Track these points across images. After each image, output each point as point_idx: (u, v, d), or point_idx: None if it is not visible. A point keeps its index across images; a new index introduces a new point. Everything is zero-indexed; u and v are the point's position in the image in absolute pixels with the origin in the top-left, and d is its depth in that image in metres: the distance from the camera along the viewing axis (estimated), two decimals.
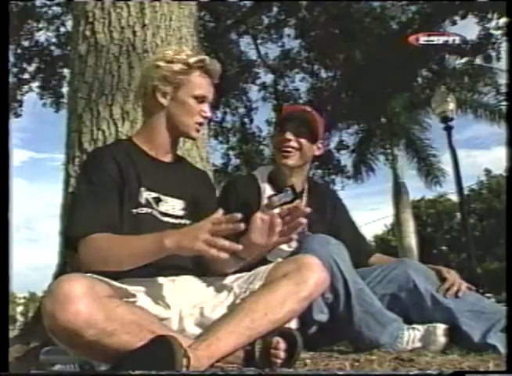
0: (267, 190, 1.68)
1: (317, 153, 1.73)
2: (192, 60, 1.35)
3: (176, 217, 1.34)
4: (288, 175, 1.70)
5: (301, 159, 1.68)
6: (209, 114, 1.39)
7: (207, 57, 1.38)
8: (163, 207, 1.32)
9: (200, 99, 1.36)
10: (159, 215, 1.31)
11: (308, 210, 1.16)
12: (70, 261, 2.05)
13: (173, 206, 1.35)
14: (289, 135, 1.65)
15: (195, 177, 1.48)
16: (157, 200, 1.32)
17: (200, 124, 1.39)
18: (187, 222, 1.36)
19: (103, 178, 1.27)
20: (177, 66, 1.34)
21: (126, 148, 1.37)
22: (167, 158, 1.41)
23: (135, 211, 1.27)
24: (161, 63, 1.35)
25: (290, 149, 1.65)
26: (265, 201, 1.60)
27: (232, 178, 1.95)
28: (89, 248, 1.16)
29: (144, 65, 1.46)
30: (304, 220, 1.15)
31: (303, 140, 1.66)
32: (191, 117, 1.36)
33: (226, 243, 0.99)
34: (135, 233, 1.25)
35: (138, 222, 1.27)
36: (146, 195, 1.30)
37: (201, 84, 1.36)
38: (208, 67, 1.37)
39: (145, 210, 1.29)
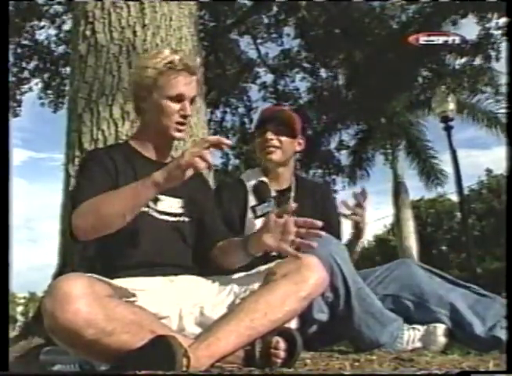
0: (251, 197, 1.73)
1: (298, 148, 1.81)
2: (160, 64, 1.34)
3: (174, 215, 1.36)
4: (273, 170, 1.77)
5: (284, 155, 1.76)
6: (188, 112, 1.36)
7: (177, 57, 1.36)
8: (161, 206, 1.33)
9: (177, 99, 1.35)
10: (156, 214, 1.32)
11: (320, 224, 1.16)
12: (70, 260, 2.05)
13: (170, 205, 1.36)
14: (270, 135, 1.73)
15: (191, 176, 1.48)
16: (155, 200, 1.32)
17: (181, 123, 1.37)
18: (185, 219, 1.38)
19: (99, 171, 1.30)
20: (146, 72, 1.35)
21: (123, 150, 1.39)
22: (164, 159, 1.42)
23: None
24: (136, 70, 1.41)
25: (271, 148, 1.73)
26: (252, 203, 1.70)
27: (220, 184, 2.00)
28: (80, 212, 1.19)
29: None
30: (314, 244, 1.17)
31: (283, 138, 1.74)
32: (168, 118, 1.35)
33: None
34: (132, 232, 1.26)
35: (135, 221, 1.27)
36: None
37: (175, 84, 1.34)
38: (180, 66, 1.35)
39: (142, 209, 1.29)
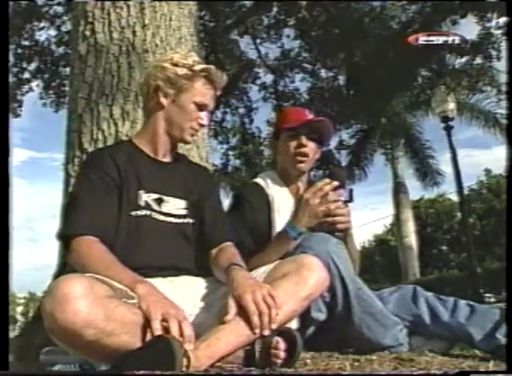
0: (276, 197, 1.65)
1: (317, 156, 1.73)
2: (197, 67, 1.36)
3: (179, 216, 1.35)
4: (296, 178, 1.68)
5: (310, 164, 1.69)
6: (206, 123, 1.41)
7: (213, 67, 1.39)
8: (165, 208, 1.33)
9: (200, 107, 1.38)
10: (160, 217, 1.31)
11: None
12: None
13: (175, 206, 1.35)
14: (304, 141, 1.64)
15: (196, 175, 1.47)
16: (159, 201, 1.32)
17: (196, 130, 1.41)
18: (190, 220, 1.37)
19: (103, 178, 1.27)
20: (182, 71, 1.35)
21: (126, 149, 1.38)
22: (167, 158, 1.41)
23: (133, 213, 1.28)
24: (167, 65, 1.36)
25: (303, 157, 1.64)
26: (275, 209, 1.61)
27: (239, 190, 1.90)
28: (76, 251, 1.17)
29: (149, 64, 1.47)
30: None
31: (313, 146, 1.66)
32: (188, 122, 1.37)
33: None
34: (134, 235, 1.26)
35: (137, 224, 1.28)
36: (146, 197, 1.31)
37: (203, 93, 1.38)
38: (213, 78, 1.38)
39: (144, 212, 1.29)
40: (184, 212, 1.36)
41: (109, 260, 1.13)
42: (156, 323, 0.96)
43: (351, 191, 1.48)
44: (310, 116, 1.69)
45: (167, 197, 1.34)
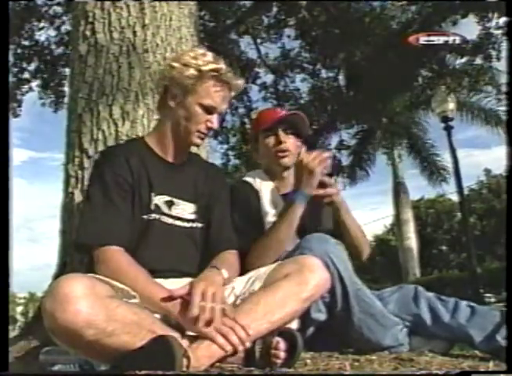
0: (264, 193, 1.67)
1: (299, 149, 1.72)
2: (206, 68, 1.30)
3: (188, 221, 1.35)
4: (280, 174, 1.72)
5: (293, 158, 1.70)
6: (215, 126, 1.35)
7: (224, 67, 1.33)
8: (175, 211, 1.32)
9: (208, 109, 1.33)
10: (168, 220, 1.31)
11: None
12: (70, 261, 2.04)
13: (185, 210, 1.35)
14: (283, 138, 1.67)
15: (206, 176, 1.45)
16: (170, 204, 1.32)
17: (204, 133, 1.35)
18: (198, 225, 1.36)
19: (117, 181, 1.26)
20: (188, 71, 1.30)
21: (138, 150, 1.36)
22: (178, 160, 1.40)
23: (145, 217, 1.28)
24: (175, 64, 1.32)
25: (284, 152, 1.67)
26: (265, 206, 1.64)
27: (231, 188, 1.92)
28: (105, 263, 1.16)
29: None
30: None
31: (292, 141, 1.69)
32: (194, 125, 1.33)
33: None
34: (142, 237, 1.26)
35: (147, 228, 1.27)
36: (157, 200, 1.30)
37: (212, 95, 1.32)
38: (224, 78, 1.32)
39: (153, 216, 1.28)
40: (193, 216, 1.36)
41: (144, 277, 1.15)
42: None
43: (336, 164, 1.54)
44: (282, 113, 1.73)
45: (177, 199, 1.33)
